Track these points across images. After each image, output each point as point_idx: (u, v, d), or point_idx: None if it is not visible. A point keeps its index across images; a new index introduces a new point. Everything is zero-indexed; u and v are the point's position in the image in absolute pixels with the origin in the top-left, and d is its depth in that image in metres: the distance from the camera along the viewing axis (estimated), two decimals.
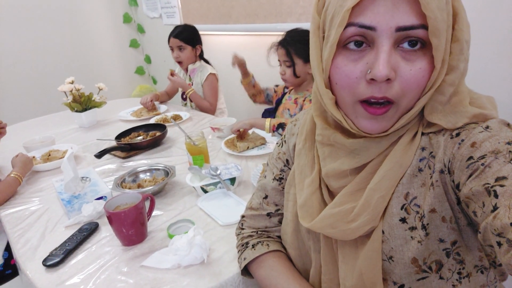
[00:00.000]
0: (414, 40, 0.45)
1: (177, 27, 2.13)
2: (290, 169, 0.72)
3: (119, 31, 3.71)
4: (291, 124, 0.75)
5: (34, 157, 1.48)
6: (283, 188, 0.73)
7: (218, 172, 1.15)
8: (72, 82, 1.97)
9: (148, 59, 3.90)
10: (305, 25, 1.75)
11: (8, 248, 1.34)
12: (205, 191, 1.13)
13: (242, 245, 0.76)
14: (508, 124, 0.47)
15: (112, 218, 0.91)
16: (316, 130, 0.60)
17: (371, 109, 0.48)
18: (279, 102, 1.76)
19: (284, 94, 1.76)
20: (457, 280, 0.51)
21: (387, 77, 0.44)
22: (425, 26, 0.44)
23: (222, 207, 1.06)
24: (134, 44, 3.83)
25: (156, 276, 0.82)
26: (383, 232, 0.53)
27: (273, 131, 1.46)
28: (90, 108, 2.01)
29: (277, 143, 0.78)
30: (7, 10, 2.95)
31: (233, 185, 1.16)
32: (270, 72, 1.86)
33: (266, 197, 0.75)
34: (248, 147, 1.46)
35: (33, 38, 3.10)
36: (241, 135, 1.51)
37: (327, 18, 0.49)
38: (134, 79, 3.91)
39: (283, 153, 0.74)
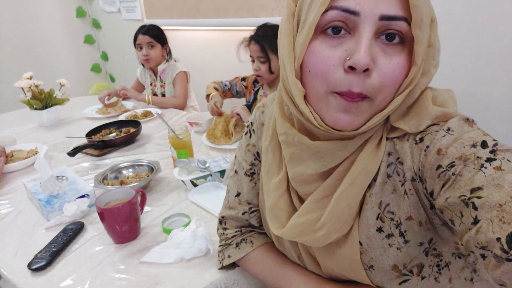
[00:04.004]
0: (393, 33, 0.44)
1: (144, 25, 2.06)
2: (261, 162, 0.67)
3: (72, 26, 3.48)
4: (258, 111, 0.69)
5: (12, 155, 1.37)
6: (256, 184, 0.70)
7: (207, 165, 1.13)
8: (30, 78, 1.82)
9: (105, 56, 3.71)
10: (277, 20, 1.76)
11: None
12: (195, 185, 1.11)
13: (225, 244, 0.74)
14: (467, 120, 0.47)
15: (105, 214, 0.85)
16: (279, 129, 0.57)
17: (346, 97, 0.45)
18: (254, 99, 1.75)
19: (257, 90, 1.75)
20: (437, 272, 0.51)
21: (367, 65, 0.42)
22: (407, 20, 0.43)
23: (215, 199, 1.04)
24: (89, 40, 3.62)
25: (158, 272, 0.79)
26: (361, 243, 0.53)
27: None
28: (51, 106, 1.88)
29: (244, 132, 0.72)
30: None
31: (222, 177, 1.14)
32: (241, 68, 1.85)
33: (238, 194, 0.71)
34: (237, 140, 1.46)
35: None
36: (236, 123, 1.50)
37: (305, 2, 0.46)
38: (90, 77, 3.69)
39: (252, 144, 0.69)
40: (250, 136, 0.70)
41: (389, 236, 0.51)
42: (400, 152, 0.50)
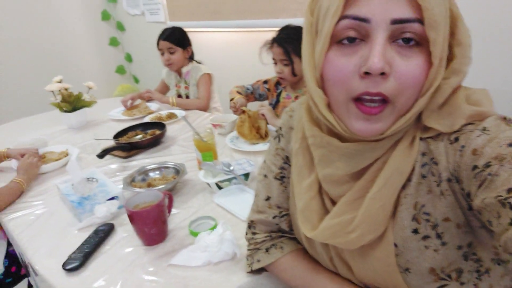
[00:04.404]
0: (410, 35, 0.44)
1: (165, 29, 2.08)
2: (290, 166, 0.68)
3: (97, 29, 3.59)
4: (286, 115, 0.71)
5: (44, 157, 1.43)
6: (286, 188, 0.70)
7: (231, 168, 1.14)
8: (60, 81, 1.89)
9: (129, 58, 3.80)
10: (299, 21, 1.75)
11: (7, 256, 1.27)
12: (220, 188, 1.12)
13: (254, 249, 0.74)
14: (504, 119, 0.46)
15: (134, 217, 0.88)
16: (307, 132, 0.58)
17: (365, 108, 0.46)
18: (276, 101, 1.75)
19: (279, 92, 1.75)
20: (476, 278, 0.50)
21: (381, 69, 0.42)
22: (421, 21, 0.43)
23: (240, 202, 1.05)
24: (113, 42, 3.71)
25: (186, 274, 0.80)
26: (396, 245, 0.52)
27: None
28: (79, 108, 1.94)
29: (273, 137, 0.73)
30: None
31: (247, 180, 1.15)
32: (263, 68, 1.85)
33: (268, 198, 0.71)
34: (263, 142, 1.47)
35: (3, 35, 2.94)
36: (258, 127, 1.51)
37: (321, 13, 0.48)
38: (114, 79, 3.79)
39: (281, 148, 0.70)
40: (279, 140, 0.71)
41: (426, 237, 0.50)
42: (434, 152, 0.50)
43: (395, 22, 0.43)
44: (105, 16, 3.59)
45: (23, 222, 1.07)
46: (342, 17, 0.45)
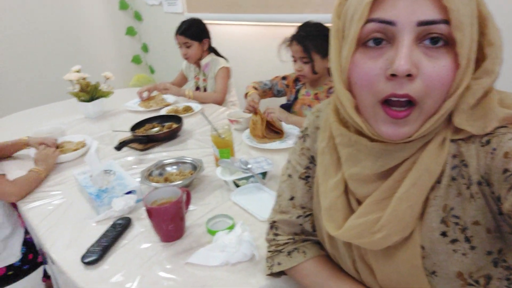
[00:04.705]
0: (436, 36, 0.43)
1: (182, 23, 2.07)
2: (316, 165, 0.67)
3: (114, 18, 3.59)
4: (313, 116, 0.70)
5: (62, 146, 1.45)
6: (310, 188, 0.69)
7: (249, 166, 1.13)
8: (78, 71, 1.90)
9: (145, 48, 3.79)
10: (322, 17, 1.71)
11: (24, 243, 1.28)
12: (237, 185, 1.11)
13: (276, 251, 0.73)
14: None
15: (152, 213, 0.88)
16: (334, 131, 0.58)
17: (392, 112, 0.46)
18: (295, 98, 1.72)
19: (298, 89, 1.72)
20: (506, 286, 0.49)
21: (408, 71, 0.42)
22: (447, 22, 0.42)
23: (257, 201, 1.04)
24: (130, 32, 3.71)
25: (204, 274, 0.80)
26: (423, 247, 0.51)
27: None
28: (96, 98, 1.95)
29: (298, 137, 0.72)
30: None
31: (264, 179, 1.14)
32: (282, 66, 1.82)
33: (292, 198, 0.70)
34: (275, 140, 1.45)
35: (21, 24, 2.95)
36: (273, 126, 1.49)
37: (347, 18, 0.48)
38: (130, 68, 3.79)
39: (307, 148, 0.69)
40: (305, 140, 0.70)
41: (454, 241, 0.49)
42: (465, 155, 0.49)
43: (421, 24, 0.43)
44: (123, 5, 3.59)
45: (42, 212, 1.08)
46: (368, 20, 0.45)
